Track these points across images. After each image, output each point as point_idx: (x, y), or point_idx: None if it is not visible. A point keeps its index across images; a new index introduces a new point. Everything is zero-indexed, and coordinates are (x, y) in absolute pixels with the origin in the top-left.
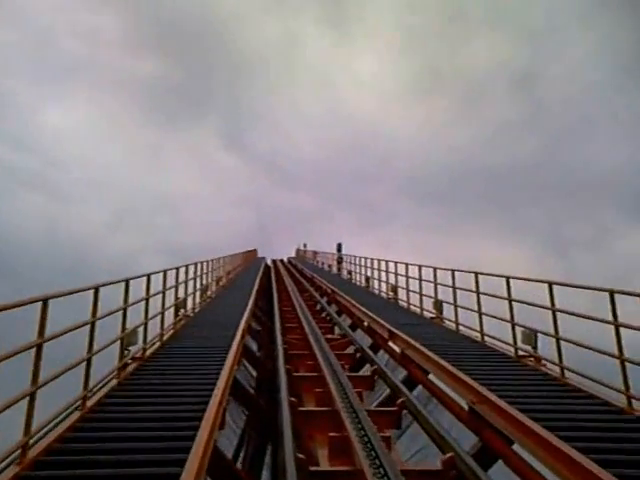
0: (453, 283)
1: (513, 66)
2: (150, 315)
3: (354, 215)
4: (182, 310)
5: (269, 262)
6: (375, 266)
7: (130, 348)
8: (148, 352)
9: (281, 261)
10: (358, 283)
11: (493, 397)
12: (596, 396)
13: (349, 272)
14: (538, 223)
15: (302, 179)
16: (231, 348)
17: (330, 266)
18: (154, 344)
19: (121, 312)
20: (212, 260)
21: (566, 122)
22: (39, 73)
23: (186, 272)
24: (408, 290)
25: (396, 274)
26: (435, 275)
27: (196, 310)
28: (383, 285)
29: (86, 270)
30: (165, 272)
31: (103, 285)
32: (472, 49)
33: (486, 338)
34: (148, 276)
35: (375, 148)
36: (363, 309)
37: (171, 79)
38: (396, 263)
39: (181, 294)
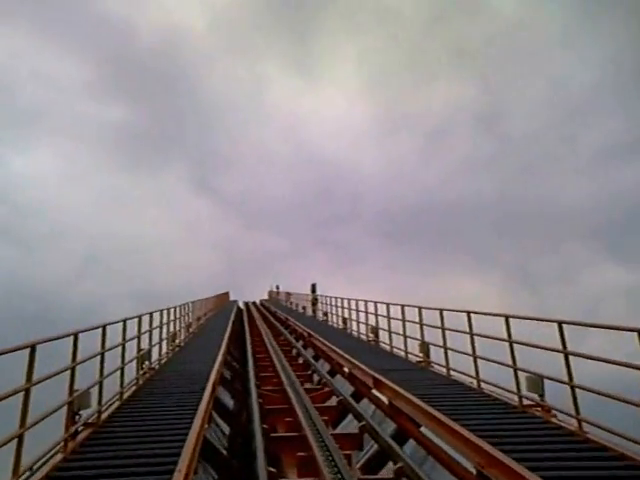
0: (442, 323)
1: (475, 104)
2: (108, 371)
3: (326, 255)
4: (146, 362)
5: (241, 305)
6: (353, 306)
7: (81, 412)
8: (104, 415)
9: (254, 304)
10: (335, 325)
11: (506, 459)
12: (628, 456)
13: (325, 313)
14: (506, 258)
15: (273, 220)
16: (200, 405)
17: (304, 308)
18: (113, 404)
19: (69, 371)
20: (180, 306)
21: (529, 158)
22: (4, 120)
23: (150, 320)
24: (390, 332)
25: (376, 315)
26: (420, 315)
27: (162, 361)
28: (362, 327)
29: (51, 321)
30: (125, 321)
31: (40, 342)
32: (435, 89)
33: (483, 385)
34: (104, 327)
35: (344, 188)
36: (342, 353)
37: (137, 124)
38: (376, 303)
39: (146, 344)
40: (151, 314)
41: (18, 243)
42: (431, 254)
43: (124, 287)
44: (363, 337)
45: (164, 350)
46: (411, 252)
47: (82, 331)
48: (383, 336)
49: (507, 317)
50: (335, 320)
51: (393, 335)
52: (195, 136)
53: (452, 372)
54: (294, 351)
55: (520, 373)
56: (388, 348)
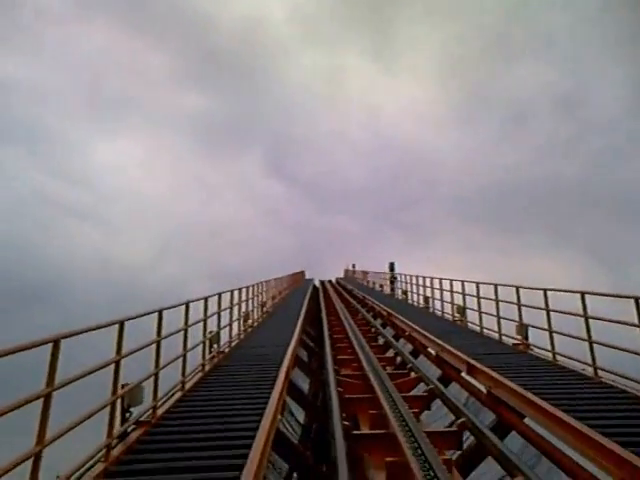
0: (546, 304)
1: (556, 88)
2: (166, 360)
3: (401, 236)
4: (214, 346)
5: (317, 283)
6: (436, 285)
7: (132, 409)
8: (160, 411)
9: (329, 282)
10: (415, 304)
11: None
12: None
13: (404, 292)
14: (586, 239)
15: (348, 203)
16: (270, 398)
17: (382, 286)
18: (173, 395)
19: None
20: (254, 285)
21: (611, 142)
22: (90, 111)
23: (219, 301)
24: (481, 312)
25: (464, 294)
26: (518, 294)
27: (233, 344)
28: (446, 306)
29: (137, 300)
30: (187, 304)
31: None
32: (514, 74)
33: (601, 373)
34: (160, 312)
35: (420, 172)
36: (427, 334)
37: (218, 112)
38: (463, 282)
39: (214, 327)
40: (219, 294)
41: (103, 227)
42: (508, 234)
43: (204, 269)
44: (448, 317)
45: (235, 332)
46: (486, 232)
47: (127, 319)
48: (471, 317)
49: (637, 299)
50: (415, 299)
51: (483, 316)
52: (273, 122)
53: (559, 357)
54: (373, 330)
55: None
56: (477, 329)
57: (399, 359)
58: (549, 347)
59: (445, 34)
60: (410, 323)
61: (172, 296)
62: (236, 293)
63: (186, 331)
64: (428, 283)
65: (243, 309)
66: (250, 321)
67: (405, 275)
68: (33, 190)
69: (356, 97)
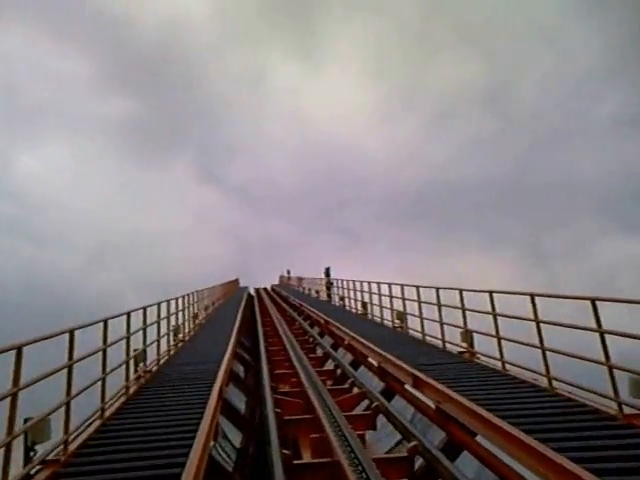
0: (492, 308)
1: (481, 83)
2: (81, 385)
3: (334, 240)
4: (141, 364)
5: (252, 291)
6: (374, 290)
7: (37, 448)
8: (73, 446)
9: (264, 289)
10: (353, 310)
11: None
12: None
13: (341, 298)
14: (516, 235)
15: (280, 207)
16: (202, 423)
17: (318, 292)
18: (90, 425)
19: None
20: (185, 296)
21: (537, 135)
22: (8, 119)
23: (144, 315)
24: (422, 318)
25: (403, 299)
26: (462, 298)
27: (162, 361)
28: (386, 312)
29: (65, 314)
30: (105, 321)
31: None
32: (439, 69)
33: (555, 384)
34: (71, 332)
35: (350, 172)
36: (367, 343)
37: (142, 116)
38: (402, 286)
39: (140, 344)
40: (144, 308)
41: (29, 239)
42: (440, 234)
43: (139, 279)
44: (387, 323)
45: (164, 347)
46: (420, 233)
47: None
48: (412, 323)
49: (593, 300)
50: (353, 305)
51: (425, 322)
52: (200, 126)
53: (509, 366)
54: (310, 339)
55: (620, 373)
56: (419, 336)
57: (339, 371)
58: (497, 355)
59: (368, 31)
60: (348, 331)
61: (107, 309)
62: (164, 306)
63: (104, 351)
64: (366, 288)
65: (173, 322)
66: (181, 335)
67: (341, 280)
68: None
69: (283, 99)
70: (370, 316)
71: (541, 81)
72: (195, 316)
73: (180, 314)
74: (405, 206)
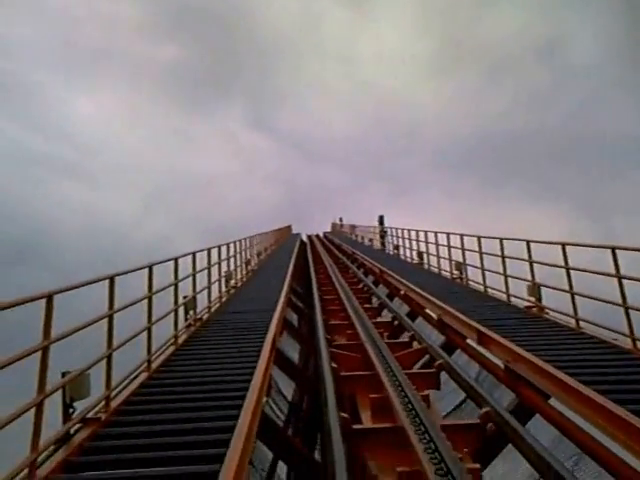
0: (565, 261)
1: (536, 33)
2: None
3: (386, 188)
4: (191, 312)
5: (304, 238)
6: (430, 240)
7: (75, 405)
8: (115, 403)
9: (317, 236)
10: (409, 260)
11: None
12: None
13: (396, 247)
14: (572, 187)
15: (332, 154)
16: (254, 376)
17: (371, 240)
18: (136, 378)
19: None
20: (237, 242)
21: (593, 87)
22: (65, 64)
23: (193, 261)
24: (484, 270)
25: (463, 249)
26: (529, 251)
27: (213, 308)
28: (443, 263)
29: (123, 254)
30: (151, 267)
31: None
32: (492, 20)
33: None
34: (111, 279)
35: (402, 121)
36: (425, 294)
37: (195, 62)
38: (462, 236)
39: (189, 292)
40: (193, 254)
41: (85, 181)
42: (494, 184)
43: (190, 224)
44: (445, 274)
45: (216, 294)
46: (474, 183)
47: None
48: (471, 275)
49: None
50: (408, 254)
51: (487, 274)
52: (252, 73)
53: (583, 324)
54: (365, 288)
55: None
56: (480, 288)
57: (397, 323)
58: (569, 311)
59: None
60: (405, 281)
61: (159, 253)
62: (215, 251)
63: (150, 299)
64: (422, 237)
65: (225, 269)
66: (233, 281)
67: (396, 229)
68: (11, 146)
69: (334, 45)
70: (427, 266)
71: (598, 33)
72: (248, 262)
73: (232, 260)
74: (458, 156)
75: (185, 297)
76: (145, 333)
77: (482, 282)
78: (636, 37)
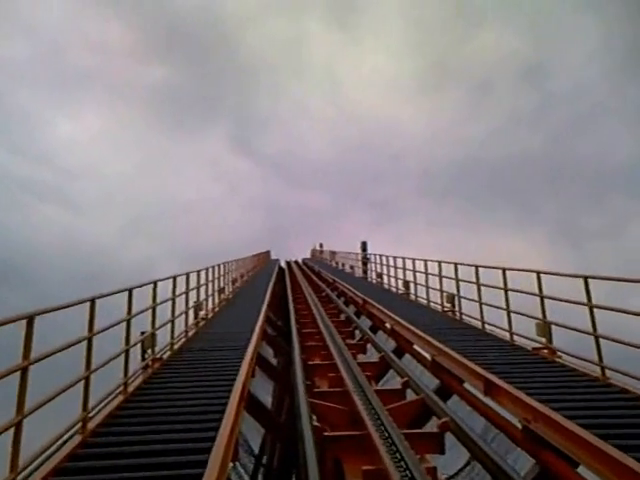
0: (589, 298)
1: (521, 57)
2: None
3: (367, 214)
4: (149, 351)
5: (283, 264)
6: (419, 268)
7: None
8: None
9: (296, 262)
10: (393, 289)
11: None
12: None
13: (379, 275)
14: (552, 214)
15: (314, 179)
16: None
17: (352, 267)
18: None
19: None
20: (209, 268)
21: (576, 112)
22: (49, 85)
23: (153, 296)
24: (481, 304)
25: (457, 280)
26: (540, 284)
27: (173, 347)
28: (433, 294)
29: (104, 279)
30: (93, 300)
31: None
32: (478, 42)
33: None
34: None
35: (386, 145)
36: (416, 330)
37: (179, 85)
38: (456, 265)
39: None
40: (155, 283)
41: (67, 206)
42: (475, 211)
43: (172, 248)
44: (435, 306)
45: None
46: (455, 209)
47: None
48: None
49: None
50: (393, 283)
51: (486, 308)
52: (235, 96)
53: (609, 373)
54: (347, 319)
55: None
56: (476, 324)
57: (384, 363)
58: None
59: (406, 1)
60: (392, 314)
61: (140, 277)
62: (181, 280)
63: (90, 340)
64: (409, 265)
65: (194, 299)
66: (203, 312)
67: (380, 256)
68: None
69: (319, 67)
70: (413, 297)
71: (583, 57)
72: (221, 290)
73: (202, 289)
74: (440, 181)
75: (143, 333)
76: (83, 381)
77: (479, 317)
78: (622, 62)
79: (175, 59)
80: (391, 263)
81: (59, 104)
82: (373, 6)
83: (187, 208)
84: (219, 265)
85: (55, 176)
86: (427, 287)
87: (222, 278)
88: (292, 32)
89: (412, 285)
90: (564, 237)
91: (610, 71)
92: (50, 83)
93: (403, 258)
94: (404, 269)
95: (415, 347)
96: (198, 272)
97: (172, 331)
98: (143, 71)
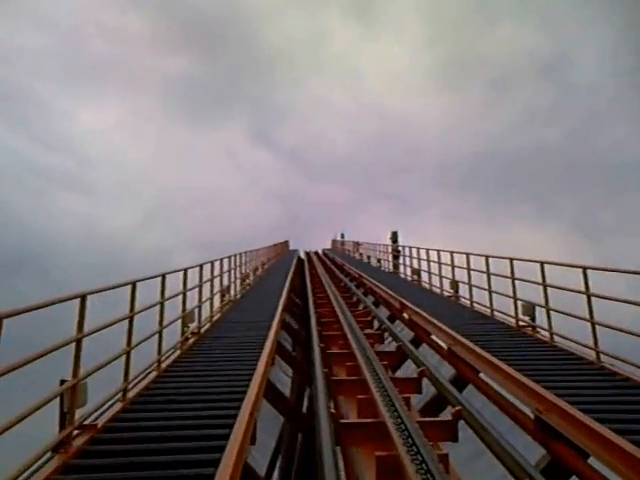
0: None
1: (539, 52)
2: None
3: (386, 205)
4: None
5: (302, 255)
6: (468, 265)
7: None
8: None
9: (315, 253)
10: (435, 290)
11: None
12: None
13: (416, 272)
14: (569, 208)
15: (332, 171)
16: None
17: (380, 261)
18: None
19: None
20: (226, 258)
21: (594, 107)
22: (69, 75)
23: (162, 291)
24: (549, 310)
25: (545, 285)
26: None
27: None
28: (496, 298)
29: (121, 268)
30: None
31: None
32: (497, 37)
33: None
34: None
35: (404, 139)
36: (502, 366)
37: (199, 77)
38: (542, 264)
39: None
40: (163, 276)
41: (87, 194)
42: (492, 204)
43: (189, 238)
44: (500, 316)
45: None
46: (473, 202)
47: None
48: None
49: None
50: (436, 283)
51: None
52: (254, 88)
53: None
54: (384, 333)
55: None
56: (550, 339)
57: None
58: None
59: None
60: (455, 334)
61: (158, 266)
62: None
63: (132, 319)
64: (457, 261)
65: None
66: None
67: (417, 249)
68: (13, 157)
69: (338, 61)
70: (470, 303)
71: (600, 51)
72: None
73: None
74: (458, 174)
75: (185, 310)
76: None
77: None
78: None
79: (194, 50)
80: (432, 258)
81: (79, 94)
82: (392, 1)
83: (205, 198)
84: (239, 254)
85: (74, 165)
86: (490, 291)
87: (236, 270)
88: (311, 26)
89: (459, 286)
90: (583, 232)
91: (627, 65)
92: (70, 74)
93: (451, 252)
94: (453, 266)
95: (481, 375)
96: (221, 260)
97: (211, 307)
98: (162, 62)
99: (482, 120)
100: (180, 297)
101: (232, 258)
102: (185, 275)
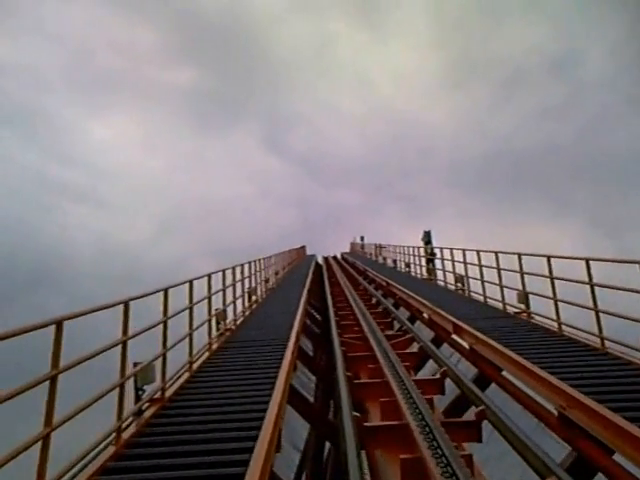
0: None
1: (549, 50)
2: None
3: (400, 208)
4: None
5: (320, 260)
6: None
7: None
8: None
9: (334, 258)
10: (494, 303)
11: None
12: None
13: (459, 279)
14: (584, 204)
15: (344, 175)
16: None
17: (408, 266)
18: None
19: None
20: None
21: (606, 103)
22: (80, 89)
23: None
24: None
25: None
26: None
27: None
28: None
29: (136, 279)
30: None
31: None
32: (505, 36)
33: None
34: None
35: (416, 140)
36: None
37: (209, 87)
38: (587, 260)
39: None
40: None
41: (102, 206)
42: (506, 202)
43: (205, 246)
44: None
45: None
46: (486, 201)
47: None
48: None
49: None
50: (488, 294)
51: None
52: (264, 95)
53: None
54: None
55: None
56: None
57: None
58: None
59: None
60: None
61: (174, 274)
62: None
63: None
64: (526, 267)
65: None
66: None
67: (462, 251)
68: (29, 172)
69: (346, 66)
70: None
71: (610, 48)
72: (250, 293)
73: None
74: (470, 174)
75: (216, 310)
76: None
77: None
78: None
79: (204, 60)
80: (487, 262)
81: (91, 108)
82: (398, 4)
83: (219, 206)
84: (247, 263)
85: (88, 178)
86: (555, 301)
87: (262, 272)
88: (318, 32)
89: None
90: (598, 228)
91: (638, 60)
92: (82, 87)
93: (519, 254)
94: (522, 273)
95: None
96: (242, 265)
97: (243, 303)
98: (172, 73)
99: (493, 119)
100: (206, 301)
101: (252, 263)
102: (209, 279)
